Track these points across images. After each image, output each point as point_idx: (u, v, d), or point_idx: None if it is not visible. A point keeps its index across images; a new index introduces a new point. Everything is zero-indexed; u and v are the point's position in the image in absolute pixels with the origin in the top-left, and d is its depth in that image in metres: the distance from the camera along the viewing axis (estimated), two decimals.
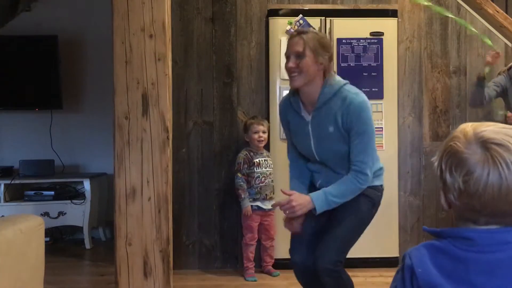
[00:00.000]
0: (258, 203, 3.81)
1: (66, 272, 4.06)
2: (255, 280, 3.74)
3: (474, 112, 4.12)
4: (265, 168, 3.84)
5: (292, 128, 2.45)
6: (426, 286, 1.06)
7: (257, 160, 3.82)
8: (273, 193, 3.87)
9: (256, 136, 3.81)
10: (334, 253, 2.29)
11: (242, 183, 3.80)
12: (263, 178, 3.82)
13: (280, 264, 3.91)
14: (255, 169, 3.81)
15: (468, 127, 1.11)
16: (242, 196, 3.80)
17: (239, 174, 3.82)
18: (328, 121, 2.29)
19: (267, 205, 3.82)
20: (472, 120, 4.10)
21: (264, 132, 3.84)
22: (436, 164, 1.13)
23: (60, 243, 4.99)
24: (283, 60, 3.93)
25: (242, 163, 3.83)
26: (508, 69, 3.90)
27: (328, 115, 2.29)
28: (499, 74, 3.97)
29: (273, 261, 3.91)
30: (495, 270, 1.05)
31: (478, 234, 1.08)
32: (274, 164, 3.93)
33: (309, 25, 3.92)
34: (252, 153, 3.85)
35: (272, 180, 3.87)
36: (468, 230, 1.10)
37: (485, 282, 1.04)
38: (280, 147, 3.96)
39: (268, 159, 3.88)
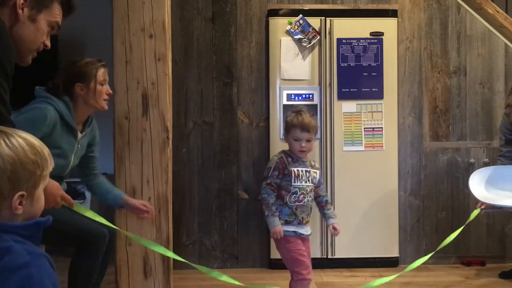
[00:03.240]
0: (293, 228, 2.85)
1: (66, 272, 4.04)
2: None
3: (474, 112, 4.13)
4: (306, 182, 2.88)
5: None
6: None
7: (295, 169, 2.88)
8: (309, 216, 2.94)
9: (297, 145, 2.88)
10: None
11: (266, 195, 2.84)
12: (301, 196, 2.85)
13: (279, 264, 3.91)
14: (292, 181, 2.86)
15: None
16: (266, 213, 2.84)
17: (264, 184, 2.86)
18: None
19: (305, 230, 2.91)
20: (472, 120, 4.12)
21: (308, 141, 2.89)
22: None
23: None
24: (283, 60, 3.96)
25: (272, 169, 2.89)
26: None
27: None
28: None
29: None
30: None
31: None
32: None
33: (309, 25, 3.92)
34: (290, 158, 2.91)
35: (312, 199, 2.94)
36: None
37: None
38: (281, 148, 3.95)
39: (312, 170, 2.93)
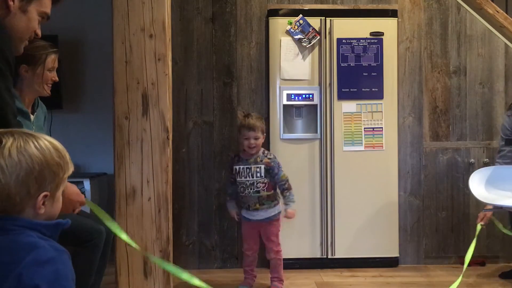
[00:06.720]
0: (244, 212, 3.50)
1: None
2: None
3: (474, 112, 4.13)
4: (245, 177, 3.42)
5: None
6: None
7: (237, 167, 3.44)
8: (258, 204, 3.42)
9: (246, 143, 3.42)
10: None
11: (227, 186, 3.66)
12: (241, 189, 3.42)
13: None
14: (236, 176, 3.45)
15: None
16: (227, 199, 3.61)
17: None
18: None
19: (251, 216, 3.46)
20: (472, 120, 4.12)
21: (256, 139, 3.40)
22: None
23: None
24: (283, 60, 3.96)
25: (227, 167, 3.64)
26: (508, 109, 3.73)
27: None
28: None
29: (278, 277, 3.55)
30: None
31: None
32: None
33: (309, 25, 3.92)
34: (237, 158, 3.50)
35: (258, 191, 3.40)
36: None
37: None
38: (280, 148, 3.95)
39: (254, 166, 3.41)
